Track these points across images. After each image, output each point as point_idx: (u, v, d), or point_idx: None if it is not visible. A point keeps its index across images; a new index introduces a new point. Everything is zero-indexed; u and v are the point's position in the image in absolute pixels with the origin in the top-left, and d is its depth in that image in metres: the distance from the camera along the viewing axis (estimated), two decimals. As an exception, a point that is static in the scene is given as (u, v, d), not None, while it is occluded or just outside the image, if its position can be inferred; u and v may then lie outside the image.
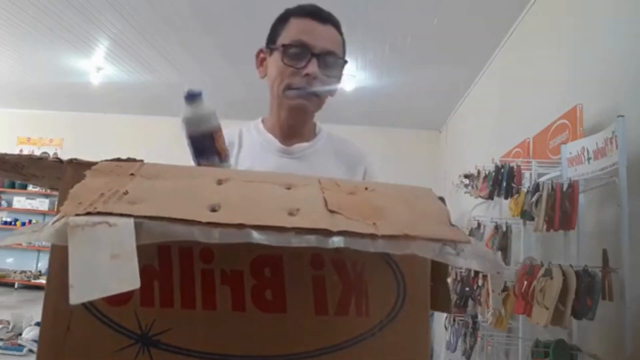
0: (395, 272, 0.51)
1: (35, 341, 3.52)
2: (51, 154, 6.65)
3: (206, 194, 0.43)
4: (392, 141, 6.20)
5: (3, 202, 7.07)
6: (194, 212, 0.38)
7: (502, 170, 2.36)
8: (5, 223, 6.92)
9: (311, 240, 0.39)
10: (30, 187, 6.86)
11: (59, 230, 0.34)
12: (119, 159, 0.48)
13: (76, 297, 0.31)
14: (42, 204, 6.95)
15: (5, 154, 0.47)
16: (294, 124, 1.05)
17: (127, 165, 0.47)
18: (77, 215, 0.35)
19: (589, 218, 1.92)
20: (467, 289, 2.62)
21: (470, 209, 3.24)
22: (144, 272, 0.38)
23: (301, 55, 0.97)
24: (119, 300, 0.46)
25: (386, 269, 0.51)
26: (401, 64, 4.27)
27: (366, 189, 0.49)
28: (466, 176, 2.93)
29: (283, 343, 0.48)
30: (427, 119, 5.94)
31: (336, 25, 1.02)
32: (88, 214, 0.36)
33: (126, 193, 0.40)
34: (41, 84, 5.76)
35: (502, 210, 2.74)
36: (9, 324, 3.90)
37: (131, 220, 0.36)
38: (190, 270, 0.47)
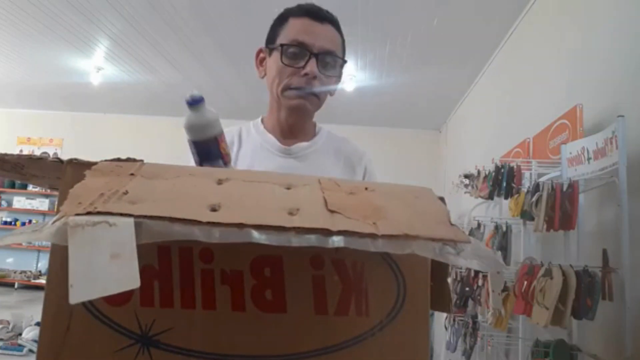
0: (395, 272, 0.51)
1: (35, 341, 3.52)
2: (51, 154, 6.65)
3: (206, 193, 0.43)
4: (392, 141, 6.20)
5: (3, 202, 7.07)
6: (194, 212, 0.38)
7: (502, 170, 2.36)
8: (5, 223, 6.91)
9: (311, 240, 0.39)
10: (30, 187, 6.86)
11: (59, 230, 0.34)
12: (119, 159, 0.48)
13: (76, 296, 0.31)
14: (42, 204, 6.95)
15: (5, 154, 0.47)
16: (294, 124, 1.05)
17: (127, 165, 0.47)
18: (77, 215, 0.35)
19: (589, 218, 1.92)
20: (467, 289, 2.62)
21: (470, 209, 3.24)
22: (144, 272, 0.38)
23: (300, 55, 0.97)
24: (119, 300, 0.46)
25: (386, 269, 0.51)
26: (401, 64, 4.27)
27: (366, 188, 0.49)
28: (466, 176, 2.93)
29: (283, 343, 0.48)
30: (427, 119, 5.94)
31: (335, 24, 1.02)
32: (88, 213, 0.36)
33: (126, 193, 0.40)
34: (41, 84, 5.76)
35: (502, 210, 2.75)
36: (9, 324, 3.90)
37: (131, 220, 0.36)
38: (190, 270, 0.47)
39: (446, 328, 3.09)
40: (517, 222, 2.22)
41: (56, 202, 0.47)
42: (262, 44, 1.07)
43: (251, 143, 1.05)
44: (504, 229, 2.33)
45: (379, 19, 3.48)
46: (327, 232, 0.39)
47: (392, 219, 0.42)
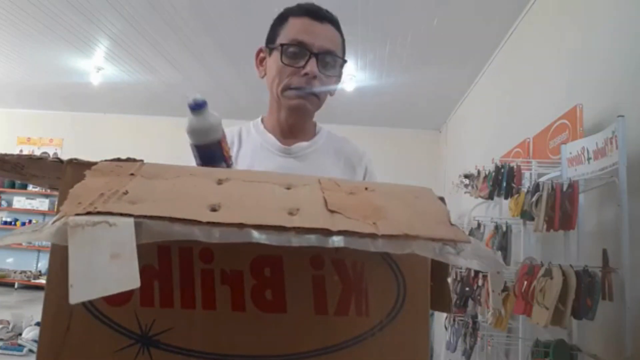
0: (395, 272, 0.51)
1: (35, 341, 3.52)
2: (51, 154, 6.66)
3: (206, 193, 0.43)
4: (392, 141, 6.20)
5: (3, 202, 7.07)
6: (194, 212, 0.38)
7: (502, 170, 2.36)
8: (5, 223, 6.91)
9: (311, 240, 0.39)
10: (30, 187, 6.86)
11: (59, 230, 0.34)
12: (119, 159, 0.48)
13: (76, 296, 0.31)
14: (42, 204, 6.95)
15: (5, 154, 0.47)
16: (294, 124, 1.04)
17: (127, 165, 0.47)
18: (77, 215, 0.35)
19: (589, 218, 1.92)
20: (467, 289, 2.62)
21: (470, 209, 3.24)
22: (144, 272, 0.38)
23: (300, 55, 0.97)
24: (119, 300, 0.46)
25: (386, 269, 0.51)
26: (401, 64, 4.27)
27: (366, 188, 0.49)
28: (466, 176, 2.93)
29: (283, 343, 0.48)
30: (427, 119, 5.94)
31: (335, 24, 1.01)
32: (88, 213, 0.36)
33: (126, 193, 0.40)
34: (41, 84, 5.76)
35: (502, 210, 2.75)
36: (9, 324, 3.90)
37: (131, 220, 0.36)
38: (190, 270, 0.47)
39: (446, 328, 3.09)
40: (517, 222, 2.22)
41: (56, 202, 0.47)
42: (262, 44, 1.07)
43: (251, 143, 1.05)
44: (504, 229, 2.33)
45: (379, 19, 3.48)
46: (327, 232, 0.39)
47: (392, 219, 0.42)
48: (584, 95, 2.08)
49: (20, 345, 3.60)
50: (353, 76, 4.56)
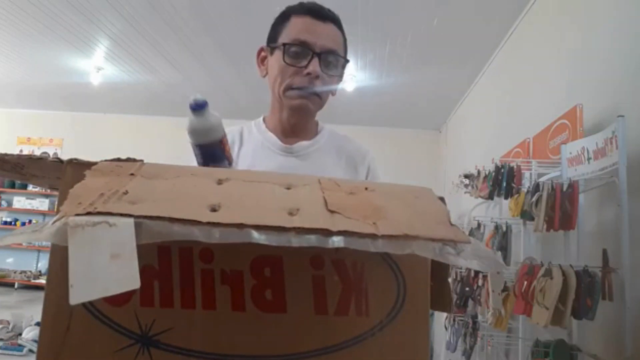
0: (395, 272, 0.51)
1: (35, 341, 3.52)
2: (51, 154, 6.66)
3: (206, 193, 0.43)
4: (392, 141, 6.20)
5: (3, 202, 7.07)
6: (194, 212, 0.39)
7: (502, 170, 2.36)
8: (5, 223, 6.91)
9: (311, 240, 0.39)
10: (30, 187, 6.86)
11: (59, 230, 0.34)
12: (119, 159, 0.48)
13: (76, 297, 0.31)
14: (42, 204, 6.95)
15: (5, 154, 0.47)
16: (296, 123, 1.04)
17: (127, 165, 0.47)
18: (77, 215, 0.35)
19: (589, 218, 1.92)
20: (467, 289, 2.62)
21: (470, 209, 3.24)
22: (144, 272, 0.38)
23: (302, 54, 0.96)
24: (119, 300, 0.46)
25: (386, 269, 0.51)
26: (401, 64, 4.27)
27: (366, 188, 0.49)
28: (466, 176, 2.93)
29: (283, 343, 0.48)
30: (427, 119, 5.94)
31: (337, 23, 1.01)
32: (88, 214, 0.36)
33: (126, 193, 0.40)
34: (41, 84, 5.76)
35: (502, 210, 2.75)
36: (9, 324, 3.90)
37: (131, 220, 0.36)
38: (190, 270, 0.47)
39: (446, 328, 3.09)
40: (517, 222, 2.22)
41: (56, 202, 0.47)
42: (263, 44, 1.06)
43: (252, 142, 1.05)
44: (504, 229, 2.33)
45: (379, 19, 3.48)
46: (327, 232, 0.39)
47: (392, 219, 0.42)
48: (584, 95, 2.08)
49: (20, 345, 3.60)
50: (353, 76, 4.56)
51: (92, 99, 6.20)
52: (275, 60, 0.99)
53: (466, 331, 2.69)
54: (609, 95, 1.93)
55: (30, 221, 6.87)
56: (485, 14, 3.25)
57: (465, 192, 3.00)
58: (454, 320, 2.94)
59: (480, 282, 2.44)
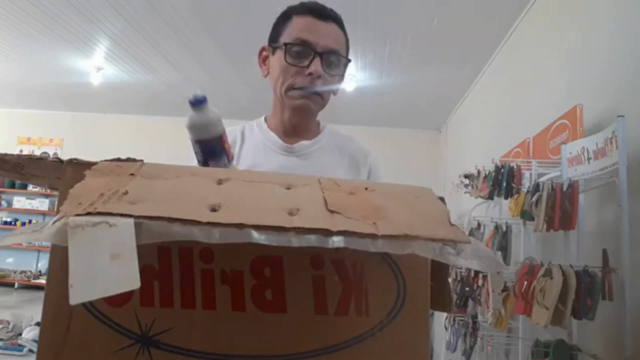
0: (395, 272, 0.51)
1: (35, 341, 3.52)
2: (51, 154, 6.66)
3: (206, 193, 0.43)
4: (392, 141, 6.20)
5: (3, 202, 7.07)
6: (194, 212, 0.38)
7: (502, 170, 2.36)
8: (5, 223, 6.91)
9: (311, 240, 0.39)
10: (30, 187, 6.86)
11: (59, 230, 0.34)
12: (119, 159, 0.48)
13: (76, 297, 0.31)
14: (42, 204, 6.95)
15: (5, 154, 0.47)
16: (297, 123, 1.04)
17: (127, 165, 0.47)
18: (77, 215, 0.35)
19: (589, 218, 1.92)
20: (467, 289, 2.62)
21: (470, 209, 3.24)
22: (144, 272, 0.38)
23: (304, 54, 0.96)
24: (119, 300, 0.46)
25: (386, 269, 0.51)
26: (401, 64, 4.27)
27: (366, 188, 0.49)
28: (466, 176, 2.93)
29: (283, 343, 0.48)
30: (427, 119, 5.94)
31: (339, 22, 1.01)
32: (88, 214, 0.36)
33: (126, 193, 0.40)
34: (41, 84, 5.76)
35: (502, 210, 2.75)
36: (9, 324, 3.90)
37: (131, 220, 0.36)
38: (190, 270, 0.47)
39: (446, 328, 3.09)
40: (517, 222, 2.22)
41: (56, 202, 0.47)
42: (262, 44, 1.06)
43: (254, 141, 1.04)
44: (504, 229, 2.33)
45: (379, 19, 3.48)
46: (327, 232, 0.39)
47: (392, 219, 0.42)
48: (584, 95, 2.08)
49: (20, 345, 3.60)
50: (353, 76, 4.56)
51: (92, 99, 6.20)
52: (277, 60, 0.99)
53: (466, 331, 2.69)
54: (609, 95, 1.93)
55: (30, 221, 6.87)
56: (485, 14, 3.25)
57: (465, 192, 3.00)
58: (454, 320, 2.94)
59: (480, 282, 2.44)
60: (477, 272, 2.49)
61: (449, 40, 3.69)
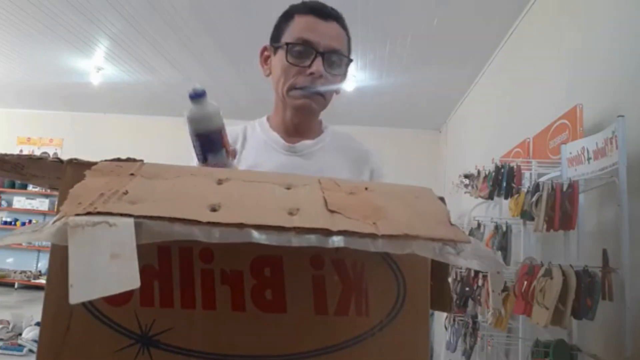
0: (395, 272, 0.51)
1: (35, 341, 3.52)
2: (51, 154, 6.65)
3: (206, 193, 0.43)
4: (392, 141, 6.19)
5: (3, 202, 7.07)
6: (194, 212, 0.38)
7: (502, 170, 2.36)
8: (5, 223, 6.91)
9: (311, 240, 0.39)
10: (30, 187, 6.86)
11: (59, 230, 0.34)
12: (119, 159, 0.48)
13: (76, 297, 0.31)
14: (42, 204, 6.95)
15: (5, 154, 0.47)
16: (299, 123, 1.04)
17: (127, 165, 0.47)
18: (77, 215, 0.35)
19: (589, 218, 1.92)
20: (467, 289, 2.62)
21: (470, 209, 3.24)
22: (144, 272, 0.38)
23: (306, 54, 0.95)
24: (119, 300, 0.46)
25: (386, 269, 0.51)
26: (401, 64, 4.27)
27: (366, 188, 0.49)
28: (466, 176, 2.93)
29: (283, 343, 0.48)
30: (427, 119, 5.94)
31: (341, 21, 1.00)
32: (88, 213, 0.36)
33: (126, 193, 0.40)
34: (41, 84, 5.76)
35: (502, 210, 2.74)
36: (9, 324, 3.90)
37: (131, 220, 0.36)
38: (190, 270, 0.47)
39: (446, 328, 3.09)
40: (517, 222, 2.22)
41: (56, 202, 0.47)
42: (262, 44, 1.06)
43: (255, 140, 1.04)
44: (504, 229, 2.33)
45: (379, 19, 3.48)
46: (327, 232, 0.39)
47: (392, 219, 0.42)
48: (584, 95, 2.08)
49: (20, 345, 3.60)
50: (353, 76, 4.55)
51: (92, 99, 6.20)
52: (279, 59, 0.99)
53: (466, 331, 2.69)
54: (609, 95, 1.93)
55: (30, 221, 6.87)
56: (485, 14, 3.25)
57: (465, 192, 3.00)
58: (454, 320, 2.94)
59: (480, 282, 2.44)
60: (477, 272, 2.49)
61: (449, 40, 3.69)
